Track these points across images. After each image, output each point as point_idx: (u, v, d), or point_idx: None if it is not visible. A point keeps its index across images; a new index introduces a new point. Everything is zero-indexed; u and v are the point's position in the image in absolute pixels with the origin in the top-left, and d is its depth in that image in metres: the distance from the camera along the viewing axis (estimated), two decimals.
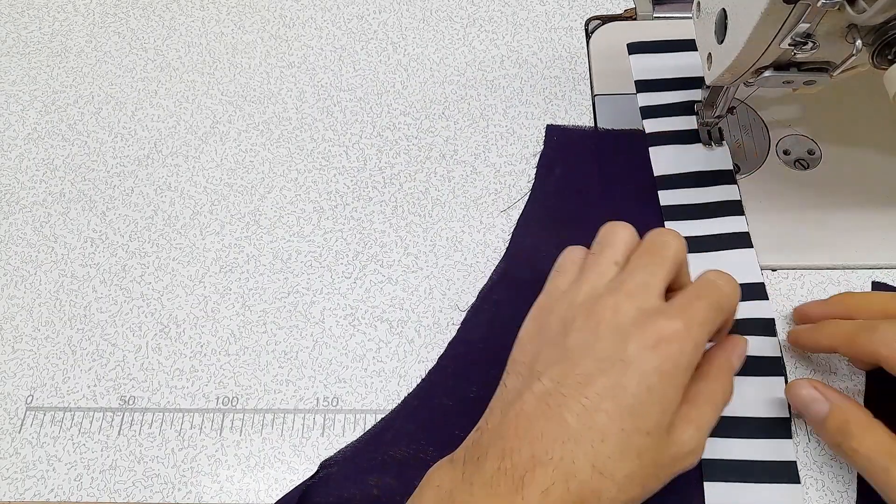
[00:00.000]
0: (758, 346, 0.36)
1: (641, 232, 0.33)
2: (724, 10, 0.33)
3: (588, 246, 0.33)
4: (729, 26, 0.32)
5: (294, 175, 0.44)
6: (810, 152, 0.43)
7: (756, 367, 0.35)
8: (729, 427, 0.34)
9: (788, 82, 0.34)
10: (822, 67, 0.33)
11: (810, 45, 0.30)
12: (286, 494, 0.34)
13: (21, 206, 0.44)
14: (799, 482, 0.33)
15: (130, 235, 0.42)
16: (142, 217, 0.43)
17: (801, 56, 0.31)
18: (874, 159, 0.42)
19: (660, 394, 0.27)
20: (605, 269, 0.31)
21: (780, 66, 0.33)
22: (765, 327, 0.36)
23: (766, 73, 0.33)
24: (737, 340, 0.33)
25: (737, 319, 0.34)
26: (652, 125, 0.44)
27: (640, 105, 0.45)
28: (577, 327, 0.29)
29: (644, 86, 0.45)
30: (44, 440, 0.36)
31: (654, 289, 0.29)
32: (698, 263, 0.37)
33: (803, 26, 0.29)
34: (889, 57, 0.29)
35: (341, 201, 0.43)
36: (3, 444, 0.36)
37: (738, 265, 0.38)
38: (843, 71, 0.33)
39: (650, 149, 0.43)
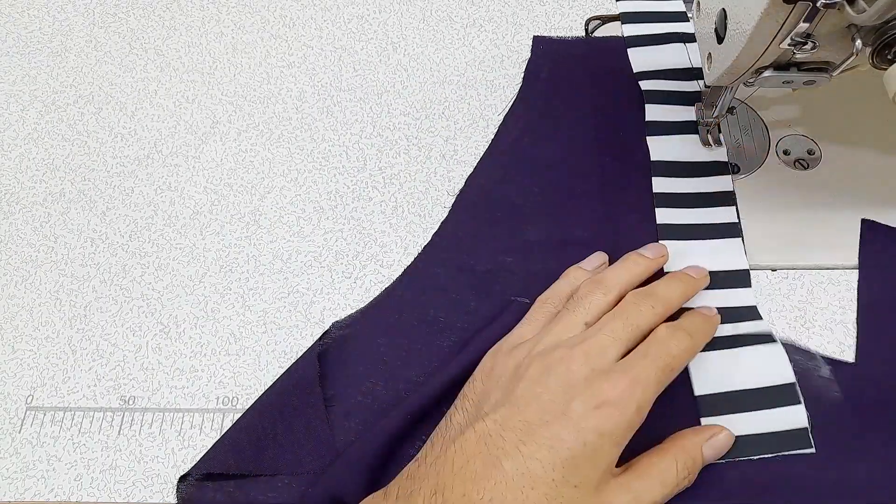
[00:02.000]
0: (746, 328, 0.36)
1: (620, 131, 0.41)
2: (724, 10, 0.33)
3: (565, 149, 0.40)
4: (729, 26, 0.32)
5: (294, 175, 0.44)
6: (810, 152, 0.43)
7: (746, 340, 0.36)
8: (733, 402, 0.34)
9: (788, 82, 0.34)
10: (822, 67, 0.33)
11: (810, 45, 0.30)
12: (303, 355, 0.37)
13: (21, 206, 0.44)
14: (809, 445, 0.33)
15: (130, 235, 0.42)
16: (142, 217, 0.43)
17: (801, 56, 0.31)
18: (874, 159, 0.42)
19: (594, 451, 0.28)
20: (571, 327, 0.32)
21: (780, 66, 0.33)
22: (748, 312, 0.37)
23: (766, 73, 0.33)
24: (718, 430, 0.32)
25: (720, 308, 0.36)
26: (653, 113, 0.44)
27: (643, 89, 0.45)
28: (528, 376, 0.30)
29: (645, 74, 0.46)
30: (44, 440, 0.36)
31: (612, 353, 0.31)
32: (687, 251, 0.38)
33: (803, 26, 0.29)
34: (889, 57, 0.29)
35: (341, 201, 0.43)
36: (3, 443, 0.36)
37: (725, 253, 0.38)
38: (843, 71, 0.33)
39: (648, 138, 0.43)
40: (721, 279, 0.37)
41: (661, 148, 0.42)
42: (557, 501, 0.27)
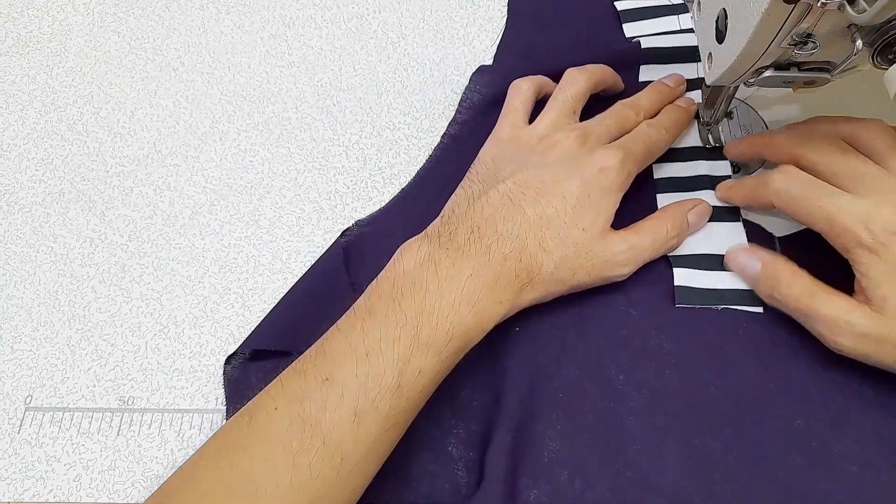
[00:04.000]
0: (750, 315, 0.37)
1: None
2: (724, 9, 0.33)
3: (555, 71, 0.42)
4: (729, 26, 0.32)
5: (294, 175, 0.44)
6: None
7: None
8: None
9: (788, 82, 0.34)
10: (822, 67, 0.33)
11: (810, 45, 0.30)
12: (328, 249, 0.40)
13: (20, 205, 0.44)
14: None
15: (130, 235, 0.42)
16: (141, 217, 0.43)
17: (801, 56, 0.31)
18: None
19: (596, 201, 0.35)
20: (563, 115, 0.39)
21: (780, 66, 0.33)
22: (753, 297, 0.37)
23: (767, 73, 0.33)
24: (699, 201, 0.39)
25: (726, 289, 0.37)
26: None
27: (639, 80, 0.45)
28: (539, 149, 0.37)
29: (647, 57, 0.46)
30: (43, 440, 0.36)
31: (604, 138, 0.38)
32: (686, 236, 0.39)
33: (803, 26, 0.29)
34: (889, 57, 0.29)
35: (341, 201, 0.43)
36: (2, 444, 0.36)
37: (727, 237, 0.39)
38: (842, 71, 0.33)
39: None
40: (723, 262, 0.38)
41: None
42: (569, 239, 0.34)
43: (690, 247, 0.38)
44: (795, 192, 0.34)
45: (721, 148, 0.42)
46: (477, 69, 0.46)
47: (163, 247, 0.42)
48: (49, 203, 0.44)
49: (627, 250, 0.35)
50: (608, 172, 0.36)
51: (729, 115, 0.41)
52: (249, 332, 0.38)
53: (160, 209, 0.43)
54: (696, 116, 0.43)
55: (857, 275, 0.32)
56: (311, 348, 0.31)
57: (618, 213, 0.37)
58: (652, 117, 0.40)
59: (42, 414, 0.37)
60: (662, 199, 0.40)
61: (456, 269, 0.32)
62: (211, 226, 0.42)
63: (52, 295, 0.40)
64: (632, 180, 0.37)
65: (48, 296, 0.40)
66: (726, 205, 0.40)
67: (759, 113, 0.44)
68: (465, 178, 0.39)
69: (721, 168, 0.41)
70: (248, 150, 0.45)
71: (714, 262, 0.38)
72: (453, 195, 0.38)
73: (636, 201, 0.40)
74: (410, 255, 0.33)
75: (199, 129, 0.46)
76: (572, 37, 0.48)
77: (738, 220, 0.39)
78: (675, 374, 0.35)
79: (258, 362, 0.37)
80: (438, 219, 0.36)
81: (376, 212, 0.42)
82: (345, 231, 0.41)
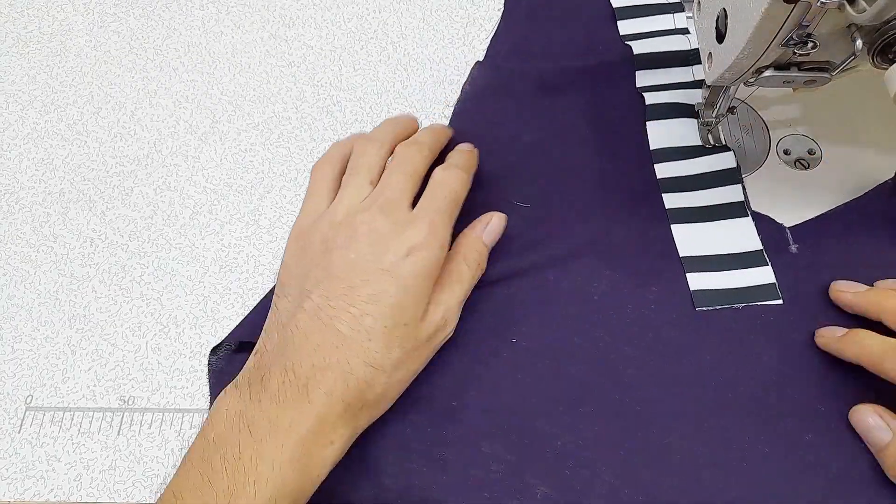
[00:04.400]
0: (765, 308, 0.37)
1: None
2: (724, 9, 0.33)
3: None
4: (729, 26, 0.32)
5: (294, 175, 0.44)
6: (810, 152, 0.43)
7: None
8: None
9: (788, 82, 0.34)
10: (822, 67, 0.33)
11: (810, 45, 0.30)
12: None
13: (20, 205, 0.44)
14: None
15: (130, 235, 0.42)
16: (141, 217, 0.43)
17: (801, 56, 0.31)
18: (874, 159, 0.42)
19: (414, 292, 0.32)
20: (360, 189, 0.35)
21: (780, 66, 0.33)
22: (767, 292, 0.37)
23: (767, 73, 0.33)
24: (488, 218, 0.38)
25: (739, 288, 0.37)
26: (652, 98, 0.44)
27: (638, 85, 0.45)
28: (339, 244, 0.33)
29: (641, 62, 0.46)
30: (43, 440, 0.36)
31: (404, 204, 0.34)
32: (695, 234, 0.39)
33: (803, 26, 0.29)
34: (889, 57, 0.29)
35: None
36: (2, 444, 0.36)
37: (736, 235, 0.39)
38: (842, 71, 0.33)
39: (647, 123, 0.43)
40: (736, 260, 0.38)
41: (660, 133, 0.43)
42: (395, 343, 0.31)
43: (701, 249, 0.38)
44: None
45: (721, 147, 0.42)
46: (473, 65, 0.47)
47: (163, 247, 0.42)
48: (49, 203, 0.44)
49: (443, 311, 0.34)
50: (420, 254, 0.32)
51: (731, 110, 0.41)
52: (237, 323, 0.38)
53: (160, 209, 0.43)
54: (696, 116, 0.43)
55: None
56: None
57: (627, 216, 0.37)
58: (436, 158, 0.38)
59: (43, 413, 0.37)
60: (669, 200, 0.40)
61: (272, 426, 0.29)
62: (211, 226, 0.42)
63: (53, 295, 0.40)
64: (447, 247, 0.34)
65: (49, 295, 0.40)
66: (731, 200, 0.39)
67: (759, 113, 0.44)
68: (276, 287, 0.35)
69: (724, 161, 0.41)
70: (249, 149, 0.45)
71: (727, 262, 0.38)
72: (268, 318, 0.34)
73: (642, 200, 0.40)
74: (220, 417, 0.30)
75: (200, 129, 0.46)
76: (566, 36, 0.48)
77: (747, 215, 0.39)
78: (690, 362, 0.35)
79: (243, 354, 0.36)
80: (251, 358, 0.33)
81: None
82: None
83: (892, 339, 0.32)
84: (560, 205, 0.40)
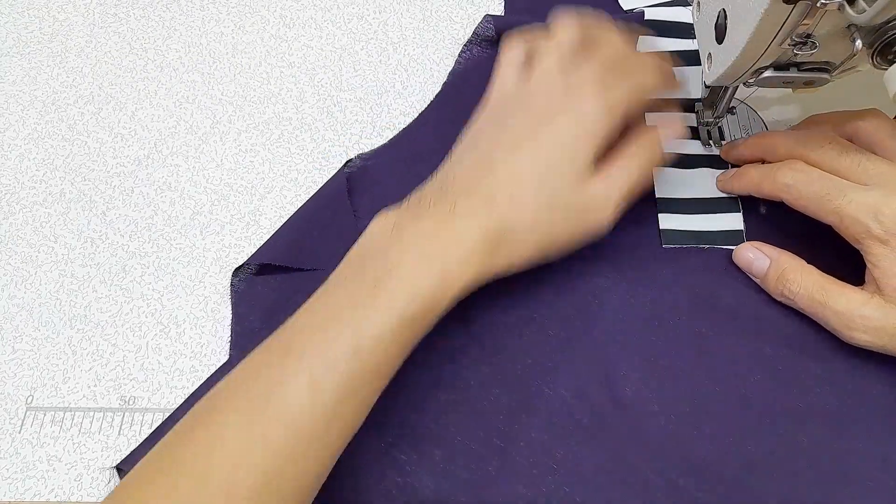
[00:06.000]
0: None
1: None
2: (724, 10, 0.33)
3: None
4: (729, 26, 0.32)
5: (294, 175, 0.44)
6: None
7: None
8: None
9: (788, 82, 0.34)
10: (822, 67, 0.33)
11: (810, 45, 0.30)
12: (332, 177, 0.42)
13: (21, 206, 0.44)
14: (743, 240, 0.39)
15: (131, 235, 0.42)
16: (142, 217, 0.43)
17: (801, 56, 0.31)
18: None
19: (571, 149, 0.33)
20: (555, 58, 0.35)
21: (780, 66, 0.33)
22: (734, 237, 0.39)
23: (766, 73, 0.33)
24: (671, 120, 0.39)
25: (708, 231, 0.39)
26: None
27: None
28: (524, 103, 0.35)
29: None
30: (44, 440, 0.36)
31: (593, 71, 0.34)
32: (671, 179, 0.41)
33: (803, 26, 0.29)
34: (889, 57, 0.29)
35: None
36: (3, 444, 0.36)
37: (711, 183, 0.41)
38: (843, 71, 0.33)
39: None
40: (709, 203, 0.40)
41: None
42: (543, 194, 0.33)
43: (673, 192, 0.41)
44: (804, 188, 0.34)
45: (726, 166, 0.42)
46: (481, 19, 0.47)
47: (163, 247, 0.42)
48: (50, 203, 0.44)
49: (603, 190, 0.33)
50: (588, 117, 0.33)
51: (731, 110, 0.41)
52: (257, 249, 0.40)
53: (161, 209, 0.43)
54: (694, 111, 0.43)
55: (869, 265, 0.32)
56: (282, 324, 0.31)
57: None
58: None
59: (43, 413, 0.37)
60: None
61: (418, 231, 0.31)
62: (211, 226, 0.42)
63: (53, 295, 0.40)
64: (619, 123, 0.34)
65: (49, 296, 0.40)
66: (704, 153, 0.42)
67: (759, 113, 0.44)
68: (460, 138, 0.37)
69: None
70: (249, 150, 0.45)
71: (695, 206, 0.40)
72: (445, 161, 0.36)
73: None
74: (377, 225, 0.33)
75: (200, 130, 0.46)
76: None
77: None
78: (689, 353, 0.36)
79: (263, 276, 0.39)
80: (416, 190, 0.35)
81: (378, 147, 0.44)
82: (347, 162, 0.43)
83: (767, 164, 0.37)
84: None
